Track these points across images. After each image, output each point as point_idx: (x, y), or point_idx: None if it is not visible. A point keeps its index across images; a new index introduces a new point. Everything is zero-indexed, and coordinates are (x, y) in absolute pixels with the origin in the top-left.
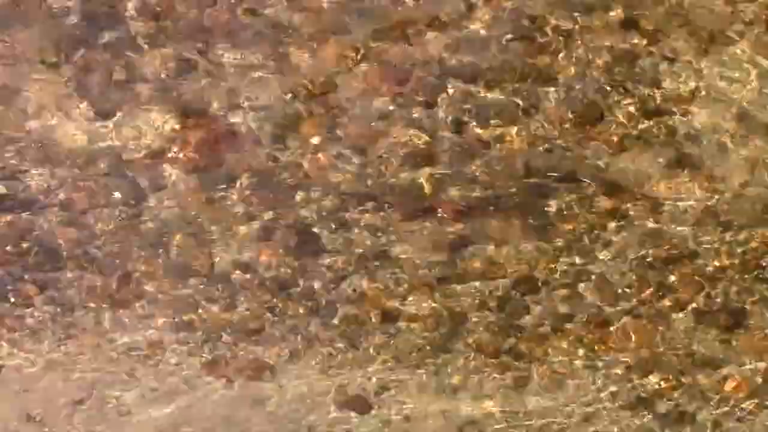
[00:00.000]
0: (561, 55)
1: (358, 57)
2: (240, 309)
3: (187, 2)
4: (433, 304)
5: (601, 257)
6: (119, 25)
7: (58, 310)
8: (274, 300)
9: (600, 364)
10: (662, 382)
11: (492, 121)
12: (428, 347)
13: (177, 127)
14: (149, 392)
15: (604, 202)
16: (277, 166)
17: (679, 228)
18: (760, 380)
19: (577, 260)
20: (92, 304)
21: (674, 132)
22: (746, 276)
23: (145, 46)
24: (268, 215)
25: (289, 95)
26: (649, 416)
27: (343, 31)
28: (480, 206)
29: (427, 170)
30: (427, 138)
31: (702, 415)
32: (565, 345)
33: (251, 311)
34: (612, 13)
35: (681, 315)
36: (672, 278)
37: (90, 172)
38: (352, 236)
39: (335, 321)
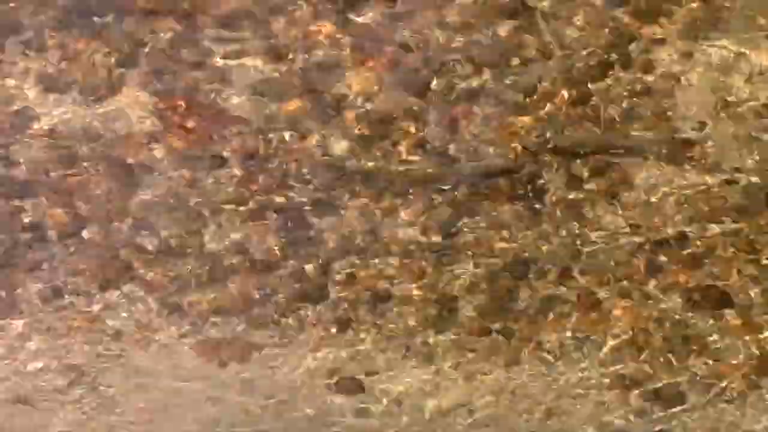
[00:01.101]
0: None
1: None
2: (230, 291)
3: None
4: (425, 285)
5: (592, 239)
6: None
7: (47, 292)
8: (264, 282)
9: (590, 345)
10: (652, 363)
11: None
12: (419, 329)
13: (165, 108)
14: (139, 375)
15: (596, 184)
16: (267, 147)
17: (670, 210)
18: (751, 361)
19: (568, 242)
20: (81, 287)
21: (667, 114)
22: (738, 258)
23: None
24: (258, 197)
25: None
26: (639, 397)
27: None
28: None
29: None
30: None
31: (692, 396)
32: (555, 326)
33: (241, 293)
34: None
35: (672, 296)
36: (662, 260)
37: (78, 154)
38: (342, 217)
39: (326, 303)
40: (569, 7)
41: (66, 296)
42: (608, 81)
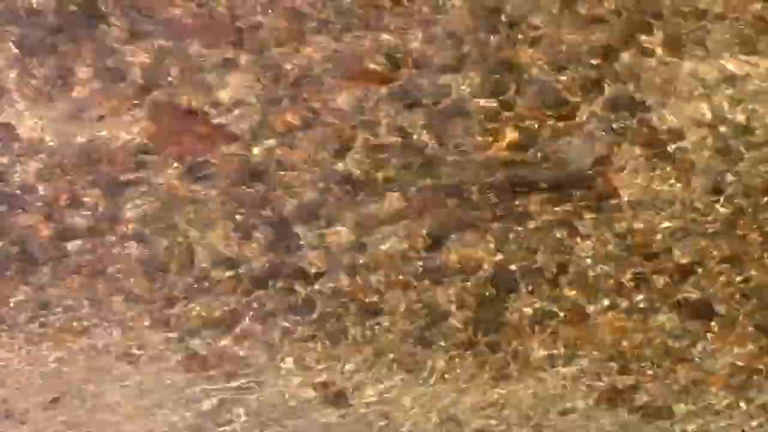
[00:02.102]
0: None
1: None
2: (219, 305)
3: None
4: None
5: (578, 252)
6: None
7: (36, 306)
8: (253, 296)
9: (577, 357)
10: (639, 376)
11: None
12: (408, 342)
13: (153, 122)
14: (127, 389)
15: (581, 196)
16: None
17: (656, 222)
18: (736, 373)
19: (556, 255)
20: (69, 301)
21: (652, 126)
22: (723, 270)
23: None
24: (247, 211)
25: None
26: (626, 410)
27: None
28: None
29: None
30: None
31: (679, 408)
32: (543, 339)
33: (230, 308)
34: None
35: (659, 308)
36: (649, 272)
37: (67, 168)
38: (330, 231)
39: (314, 316)
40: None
41: (54, 310)
42: None
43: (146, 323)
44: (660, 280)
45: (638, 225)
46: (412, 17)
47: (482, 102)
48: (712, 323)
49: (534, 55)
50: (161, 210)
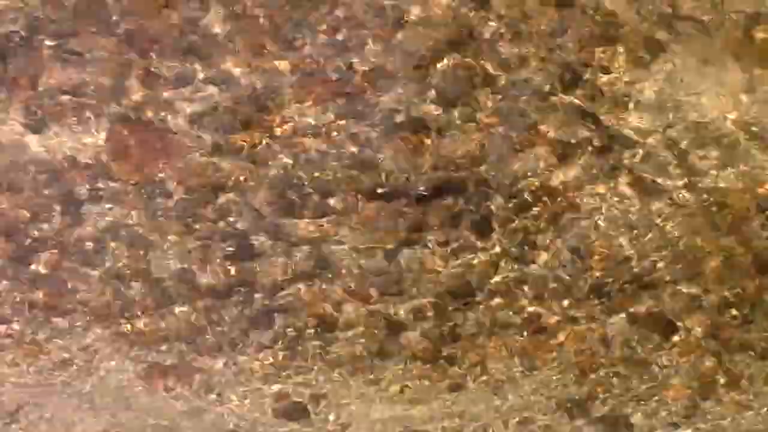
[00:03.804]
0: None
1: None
2: (177, 318)
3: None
4: (371, 311)
5: (537, 263)
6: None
7: None
8: (212, 308)
9: (536, 368)
10: (597, 387)
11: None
12: (366, 354)
13: (113, 135)
14: (85, 403)
15: (541, 208)
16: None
17: (614, 233)
18: (694, 384)
19: (514, 266)
20: (27, 315)
21: (611, 138)
22: (681, 281)
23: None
24: (206, 224)
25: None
26: (585, 421)
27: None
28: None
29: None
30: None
31: (637, 419)
32: (501, 350)
33: (189, 320)
34: None
35: (617, 319)
36: (608, 283)
37: (26, 183)
38: (290, 244)
39: (273, 329)
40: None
41: (12, 324)
42: None
43: (105, 336)
44: (619, 291)
45: (598, 235)
46: None
47: None
48: (671, 335)
49: None
50: (120, 223)
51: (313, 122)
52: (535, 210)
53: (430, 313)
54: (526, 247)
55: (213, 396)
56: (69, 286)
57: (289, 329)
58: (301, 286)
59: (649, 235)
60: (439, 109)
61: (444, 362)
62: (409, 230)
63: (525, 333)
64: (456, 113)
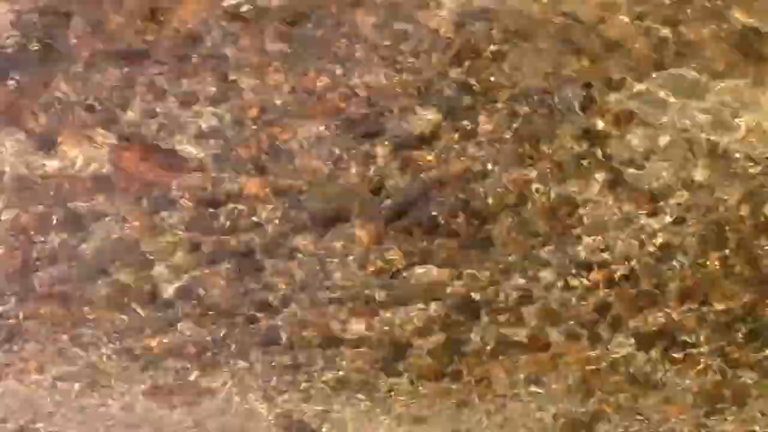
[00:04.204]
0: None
1: None
2: (182, 335)
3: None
4: (376, 328)
5: (542, 280)
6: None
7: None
8: (216, 326)
9: (541, 386)
10: (603, 405)
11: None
12: (371, 372)
13: (117, 152)
14: (91, 419)
15: (544, 225)
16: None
17: (618, 250)
18: (697, 401)
19: (519, 283)
20: (33, 332)
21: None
22: (687, 299)
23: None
24: (211, 241)
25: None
26: None
27: None
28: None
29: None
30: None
31: None
32: (506, 368)
33: (193, 337)
34: None
35: (621, 337)
36: (612, 300)
37: (30, 199)
38: (294, 262)
39: (278, 346)
40: None
41: (18, 340)
42: None
43: (111, 353)
44: (623, 308)
45: (602, 251)
46: None
47: None
48: (674, 351)
49: None
50: (125, 240)
51: (319, 138)
52: (540, 226)
53: (435, 331)
54: (530, 264)
55: (218, 413)
56: (75, 302)
57: (293, 347)
58: (306, 302)
59: (654, 252)
60: (441, 124)
61: (449, 378)
62: (414, 247)
63: (530, 350)
64: (458, 128)
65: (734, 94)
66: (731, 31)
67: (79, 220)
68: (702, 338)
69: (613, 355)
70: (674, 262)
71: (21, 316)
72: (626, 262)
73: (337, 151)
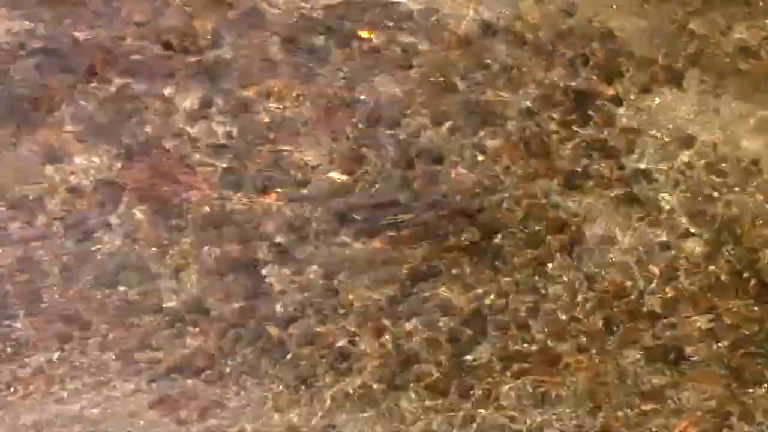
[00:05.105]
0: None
1: None
2: (190, 347)
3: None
4: (383, 342)
5: (549, 294)
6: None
7: (8, 351)
8: (225, 339)
9: (549, 401)
10: (611, 420)
11: None
12: (379, 386)
13: (126, 164)
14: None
15: (553, 240)
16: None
17: (627, 264)
18: (707, 416)
19: (527, 297)
20: (40, 345)
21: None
22: (692, 311)
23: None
24: (219, 254)
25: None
26: None
27: None
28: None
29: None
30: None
31: None
32: (513, 382)
33: (201, 350)
34: None
35: (629, 351)
36: (619, 314)
37: (38, 211)
38: (303, 275)
39: (286, 360)
40: None
41: (25, 353)
42: None
43: (118, 366)
44: (631, 322)
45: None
46: None
47: None
48: (684, 365)
49: None
50: (133, 252)
51: (326, 152)
52: (548, 241)
53: (443, 345)
54: (538, 278)
55: (225, 428)
56: (83, 314)
57: (302, 361)
58: (314, 317)
59: (662, 266)
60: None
61: (456, 393)
62: (422, 261)
63: (538, 364)
64: (466, 142)
65: None
66: None
67: (87, 232)
68: (711, 352)
69: (622, 369)
70: (683, 276)
71: (29, 330)
72: (634, 276)
73: (344, 162)
